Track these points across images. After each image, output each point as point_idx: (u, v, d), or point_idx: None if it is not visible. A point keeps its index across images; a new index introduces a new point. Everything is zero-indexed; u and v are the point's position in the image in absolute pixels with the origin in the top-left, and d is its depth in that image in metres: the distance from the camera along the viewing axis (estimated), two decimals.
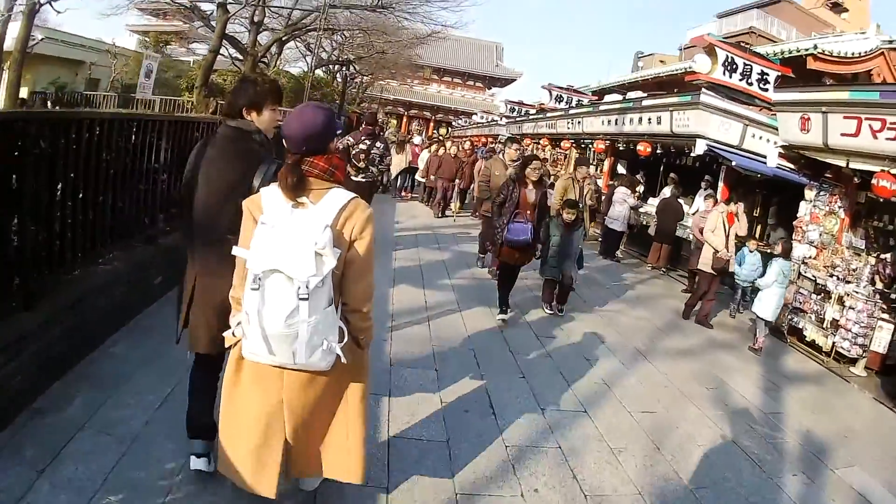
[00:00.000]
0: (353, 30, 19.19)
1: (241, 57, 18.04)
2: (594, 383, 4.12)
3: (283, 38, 17.86)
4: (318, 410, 1.97)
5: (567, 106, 15.77)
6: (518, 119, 19.01)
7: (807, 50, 11.30)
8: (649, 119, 9.54)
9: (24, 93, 17.20)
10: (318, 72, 22.59)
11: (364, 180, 6.87)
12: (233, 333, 1.91)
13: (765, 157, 8.73)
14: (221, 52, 20.58)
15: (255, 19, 16.56)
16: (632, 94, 14.01)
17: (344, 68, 17.89)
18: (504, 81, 42.60)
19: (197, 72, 16.36)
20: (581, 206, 6.22)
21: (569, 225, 5.57)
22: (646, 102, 9.81)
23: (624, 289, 7.43)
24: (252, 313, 1.71)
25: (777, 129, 8.77)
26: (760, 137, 8.80)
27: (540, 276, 5.75)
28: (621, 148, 11.23)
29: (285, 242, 1.69)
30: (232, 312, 1.95)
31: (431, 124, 40.91)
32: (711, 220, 6.58)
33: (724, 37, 17.52)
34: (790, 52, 11.49)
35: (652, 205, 10.02)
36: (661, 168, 11.15)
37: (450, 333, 4.61)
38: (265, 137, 2.26)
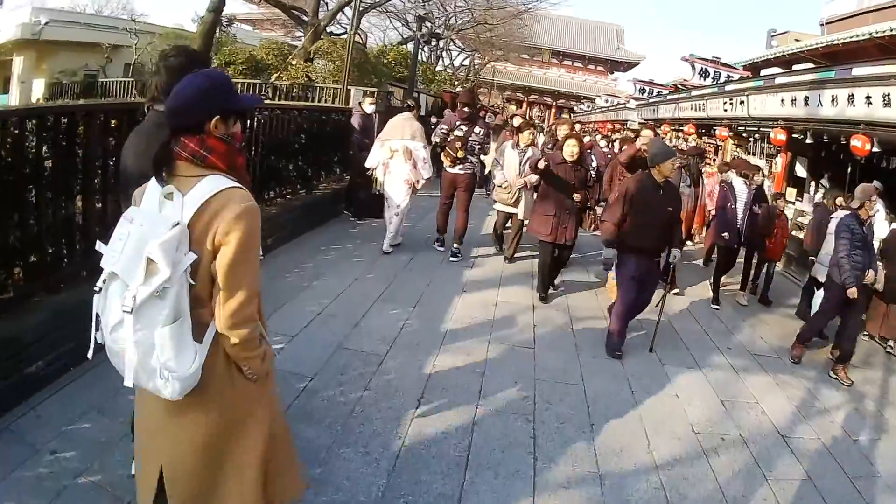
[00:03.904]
0: None
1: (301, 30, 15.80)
2: None
3: (362, 9, 16.21)
4: (195, 449, 1.56)
5: (715, 82, 12.83)
6: (651, 101, 16.28)
7: None
8: (868, 98, 6.65)
9: (39, 85, 16.64)
10: (410, 47, 20.95)
11: (462, 172, 6.06)
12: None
13: None
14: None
15: None
16: (797, 67, 10.89)
17: (434, 40, 15.78)
18: (626, 65, 39.83)
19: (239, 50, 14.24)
20: None
21: None
22: (859, 71, 6.69)
23: (837, 399, 4.17)
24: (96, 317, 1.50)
25: None
26: None
27: None
28: (807, 140, 8.33)
29: (131, 241, 1.40)
30: None
31: (553, 110, 38.88)
32: None
33: (868, 10, 13.54)
34: None
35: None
36: (850, 170, 8.16)
37: None
38: None
